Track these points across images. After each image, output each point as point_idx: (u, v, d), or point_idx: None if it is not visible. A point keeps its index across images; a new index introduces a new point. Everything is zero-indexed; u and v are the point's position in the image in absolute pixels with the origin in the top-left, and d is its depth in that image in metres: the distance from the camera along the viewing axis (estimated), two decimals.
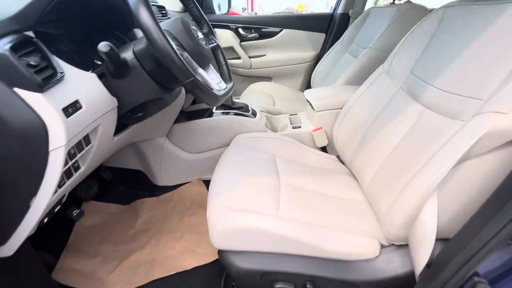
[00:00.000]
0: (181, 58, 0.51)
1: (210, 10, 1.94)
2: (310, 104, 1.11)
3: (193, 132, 1.11)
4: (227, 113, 1.14)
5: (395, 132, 0.75)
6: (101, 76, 0.61)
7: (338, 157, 1.06)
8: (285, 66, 1.90)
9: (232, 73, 2.05)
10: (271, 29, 1.85)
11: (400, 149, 0.72)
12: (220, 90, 0.66)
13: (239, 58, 1.89)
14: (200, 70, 0.65)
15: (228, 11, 2.10)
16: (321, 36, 1.84)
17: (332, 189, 0.84)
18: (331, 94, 1.10)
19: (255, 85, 1.74)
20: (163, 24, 0.62)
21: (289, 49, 1.88)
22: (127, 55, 0.61)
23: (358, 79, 1.20)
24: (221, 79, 0.73)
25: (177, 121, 1.12)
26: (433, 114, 0.67)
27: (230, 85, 0.75)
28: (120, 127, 0.73)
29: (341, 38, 1.61)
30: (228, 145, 1.05)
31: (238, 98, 1.72)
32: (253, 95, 1.63)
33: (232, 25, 1.84)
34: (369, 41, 1.27)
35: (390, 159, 0.74)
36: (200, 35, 0.67)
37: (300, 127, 1.14)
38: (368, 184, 0.80)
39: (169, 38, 0.50)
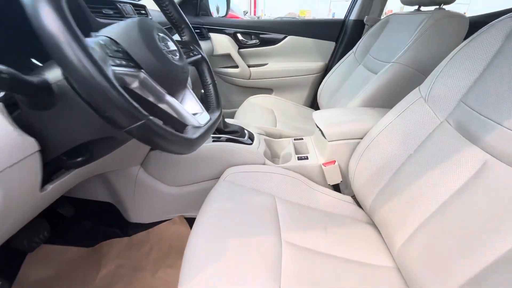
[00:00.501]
0: (118, 87, 0.29)
1: (206, 12, 1.73)
2: (321, 131, 0.89)
3: (174, 161, 0.90)
4: (218, 139, 0.92)
5: (442, 181, 0.55)
6: (15, 106, 0.40)
7: (353, 197, 0.85)
8: (289, 77, 1.69)
9: (229, 83, 1.85)
10: (274, 35, 1.64)
11: (454, 209, 0.51)
12: (198, 128, 0.45)
13: (236, 67, 1.68)
14: (168, 99, 0.43)
15: (226, 14, 1.90)
16: (331, 45, 1.64)
17: (350, 249, 0.64)
18: (348, 121, 0.88)
19: (254, 97, 1.53)
20: (108, 31, 0.41)
21: (293, 58, 1.68)
22: (52, 75, 0.39)
23: (380, 100, 0.99)
24: (203, 108, 0.52)
25: None
26: (509, 169, 0.46)
27: (216, 115, 0.54)
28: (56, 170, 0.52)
29: (354, 48, 1.40)
30: (218, 178, 0.84)
31: (235, 112, 1.51)
32: (251, 109, 1.41)
33: (229, 30, 1.63)
34: (389, 54, 1.07)
35: (438, 221, 0.53)
36: (172, 46, 0.46)
37: (307, 157, 0.93)
38: (400, 247, 0.59)
39: (94, 54, 0.28)
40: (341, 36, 1.61)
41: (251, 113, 1.37)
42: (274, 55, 1.68)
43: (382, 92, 0.98)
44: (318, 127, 0.92)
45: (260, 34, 1.64)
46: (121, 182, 0.91)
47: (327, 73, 1.49)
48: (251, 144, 0.94)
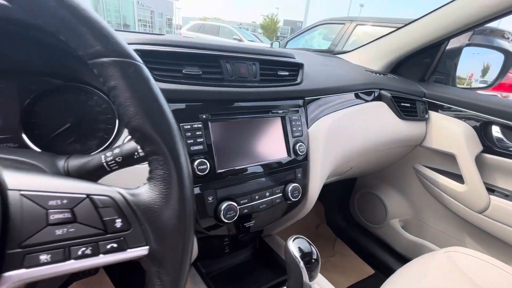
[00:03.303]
0: None
1: (445, 78, 1.06)
2: None
3: None
4: None
5: None
6: None
7: None
8: None
9: (431, 196, 1.04)
10: None
11: None
12: None
13: (460, 180, 0.88)
14: None
15: (495, 83, 1.08)
16: None
17: None
18: None
19: (466, 255, 0.71)
20: None
21: None
22: None
23: None
24: None
25: None
26: None
27: None
28: None
29: None
30: None
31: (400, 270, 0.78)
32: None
33: (477, 115, 0.86)
34: None
35: None
36: None
37: None
38: None
39: None
40: None
41: None
42: None
43: None
44: None
45: None
46: None
47: None
48: None
